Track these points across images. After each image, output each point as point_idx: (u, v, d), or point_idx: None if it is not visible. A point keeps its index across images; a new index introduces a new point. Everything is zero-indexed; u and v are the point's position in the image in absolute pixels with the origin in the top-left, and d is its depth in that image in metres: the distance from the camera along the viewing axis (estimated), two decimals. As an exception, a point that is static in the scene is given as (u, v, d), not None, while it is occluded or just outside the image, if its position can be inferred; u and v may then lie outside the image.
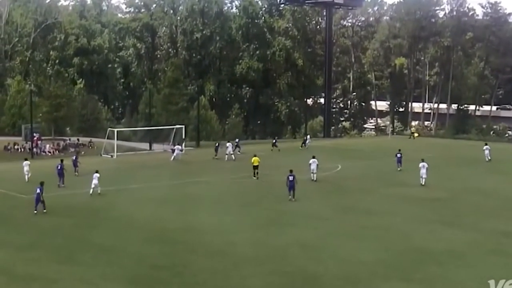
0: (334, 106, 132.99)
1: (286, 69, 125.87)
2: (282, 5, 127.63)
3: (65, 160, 50.41)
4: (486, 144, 65.36)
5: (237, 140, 75.00)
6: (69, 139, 78.51)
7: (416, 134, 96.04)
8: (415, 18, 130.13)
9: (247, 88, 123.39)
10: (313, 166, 49.82)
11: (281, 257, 28.53)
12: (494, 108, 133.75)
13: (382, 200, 43.01)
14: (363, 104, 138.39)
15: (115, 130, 72.00)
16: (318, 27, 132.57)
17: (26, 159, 50.79)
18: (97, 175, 43.13)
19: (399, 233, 33.43)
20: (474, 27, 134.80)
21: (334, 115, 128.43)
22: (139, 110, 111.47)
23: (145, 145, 75.83)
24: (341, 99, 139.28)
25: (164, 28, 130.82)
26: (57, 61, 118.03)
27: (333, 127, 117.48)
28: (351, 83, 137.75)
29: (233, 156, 64.18)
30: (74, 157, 53.68)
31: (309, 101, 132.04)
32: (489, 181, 51.51)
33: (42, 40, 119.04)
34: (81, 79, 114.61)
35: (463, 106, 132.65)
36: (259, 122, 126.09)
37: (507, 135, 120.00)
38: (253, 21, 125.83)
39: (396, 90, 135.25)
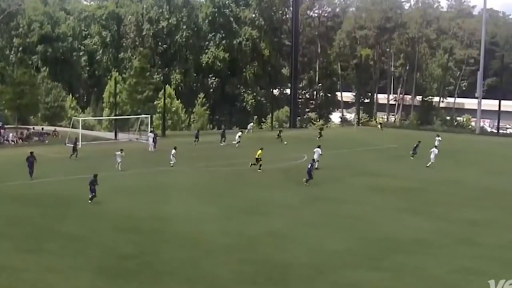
0: (300, 96, 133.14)
1: (253, 59, 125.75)
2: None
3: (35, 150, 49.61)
4: (438, 136, 65.42)
5: (223, 127, 76.11)
6: (33, 128, 77.50)
7: (380, 124, 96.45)
8: (381, 9, 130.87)
9: (213, 78, 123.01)
10: (315, 155, 50.24)
11: (251, 246, 28.55)
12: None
13: (351, 190, 43.27)
14: (329, 95, 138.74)
15: (80, 119, 71.21)
16: (284, 17, 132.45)
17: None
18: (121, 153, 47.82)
19: (368, 222, 33.66)
20: (439, 19, 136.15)
21: (300, 106, 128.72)
22: (104, 99, 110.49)
23: (111, 135, 75.15)
24: (307, 89, 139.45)
25: (130, 16, 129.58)
26: (20, 48, 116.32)
27: (299, 118, 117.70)
28: (317, 74, 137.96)
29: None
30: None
31: (276, 91, 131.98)
32: (457, 172, 52.13)
33: (5, 27, 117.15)
34: (45, 67, 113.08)
35: (428, 98, 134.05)
36: (225, 111, 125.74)
37: (470, 126, 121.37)
38: (219, 10, 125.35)
39: (362, 81, 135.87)
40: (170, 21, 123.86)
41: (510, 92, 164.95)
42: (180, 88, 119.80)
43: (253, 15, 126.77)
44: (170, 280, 24.07)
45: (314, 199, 39.48)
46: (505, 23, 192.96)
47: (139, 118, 76.08)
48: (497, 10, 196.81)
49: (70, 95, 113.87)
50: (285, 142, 68.36)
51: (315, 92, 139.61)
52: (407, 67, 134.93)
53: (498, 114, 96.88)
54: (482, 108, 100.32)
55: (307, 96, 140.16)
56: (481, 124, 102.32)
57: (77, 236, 29.71)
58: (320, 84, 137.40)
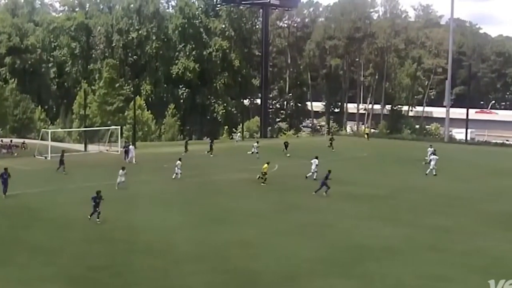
0: (271, 106, 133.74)
1: (223, 69, 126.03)
2: (219, 6, 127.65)
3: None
4: (431, 147, 65.04)
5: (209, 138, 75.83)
6: (1, 140, 76.67)
7: (367, 134, 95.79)
8: (350, 19, 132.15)
9: (184, 88, 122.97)
10: (313, 166, 50.59)
11: (222, 255, 28.53)
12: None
13: (321, 198, 43.40)
14: (299, 104, 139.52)
15: (49, 131, 70.62)
16: (254, 27, 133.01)
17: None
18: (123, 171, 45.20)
19: (339, 230, 33.85)
20: (407, 29, 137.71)
21: (270, 116, 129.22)
22: (73, 111, 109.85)
23: (80, 146, 74.65)
24: (277, 99, 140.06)
25: (100, 27, 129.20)
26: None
27: (269, 128, 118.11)
28: (287, 84, 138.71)
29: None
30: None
31: (246, 101, 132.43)
32: (425, 179, 52.51)
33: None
34: (13, 79, 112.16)
35: (397, 107, 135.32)
36: (195, 122, 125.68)
37: (438, 135, 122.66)
38: (189, 21, 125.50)
39: (332, 91, 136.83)
40: (140, 32, 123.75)
41: (478, 100, 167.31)
42: (150, 99, 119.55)
43: (223, 26, 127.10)
44: (140, 291, 24.04)
45: (285, 207, 39.57)
46: (472, 32, 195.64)
47: (109, 129, 75.68)
48: (464, 20, 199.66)
49: (39, 107, 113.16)
50: (288, 155, 66.68)
51: (285, 102, 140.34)
52: (376, 77, 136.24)
53: (466, 122, 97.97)
54: (450, 116, 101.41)
55: (278, 106, 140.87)
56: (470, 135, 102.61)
57: (46, 247, 29.44)
58: (291, 94, 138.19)
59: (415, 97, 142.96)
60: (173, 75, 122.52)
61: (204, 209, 38.82)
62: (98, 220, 33.81)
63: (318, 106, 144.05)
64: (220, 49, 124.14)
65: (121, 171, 45.22)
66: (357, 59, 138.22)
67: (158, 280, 24.93)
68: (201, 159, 64.45)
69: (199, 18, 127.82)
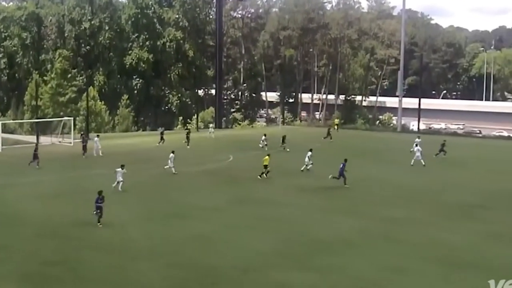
0: (225, 97, 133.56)
1: (177, 60, 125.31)
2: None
3: None
4: (418, 137, 63.65)
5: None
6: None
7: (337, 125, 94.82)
8: (303, 10, 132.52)
9: (137, 79, 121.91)
10: (306, 159, 50.47)
11: (178, 250, 28.41)
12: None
13: (277, 190, 43.49)
14: (254, 95, 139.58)
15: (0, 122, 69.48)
16: (208, 18, 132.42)
17: None
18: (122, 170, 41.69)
19: (295, 223, 33.95)
20: (360, 20, 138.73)
21: (225, 106, 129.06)
22: (25, 102, 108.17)
23: (32, 138, 73.56)
24: (232, 90, 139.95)
25: (51, 17, 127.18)
26: None
27: (224, 118, 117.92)
28: (242, 74, 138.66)
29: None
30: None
31: (200, 92, 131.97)
32: (379, 170, 52.94)
33: None
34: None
35: (350, 97, 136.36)
36: (150, 113, 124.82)
37: (391, 124, 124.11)
38: (142, 11, 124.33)
39: (286, 81, 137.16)
40: (92, 22, 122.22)
41: (430, 90, 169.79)
42: (103, 90, 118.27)
43: (177, 16, 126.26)
44: (96, 286, 23.78)
45: (240, 201, 39.55)
46: (423, 24, 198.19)
47: (61, 120, 74.70)
48: (416, 11, 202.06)
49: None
50: (288, 149, 63.98)
51: (240, 93, 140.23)
52: (330, 67, 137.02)
53: (418, 112, 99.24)
54: (403, 106, 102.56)
55: (232, 96, 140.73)
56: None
57: (-1, 244, 29.01)
58: (245, 85, 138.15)
59: (369, 87, 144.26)
60: (127, 66, 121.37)
61: (160, 203, 38.54)
62: (99, 224, 32.09)
63: (272, 96, 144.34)
64: (174, 40, 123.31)
65: (119, 169, 41.79)
66: (311, 50, 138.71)
67: (114, 276, 24.73)
68: (159, 152, 64.03)
69: (152, 8, 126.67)
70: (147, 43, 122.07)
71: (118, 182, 41.22)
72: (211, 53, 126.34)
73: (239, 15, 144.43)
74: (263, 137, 65.60)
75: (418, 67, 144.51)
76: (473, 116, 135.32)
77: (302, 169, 50.39)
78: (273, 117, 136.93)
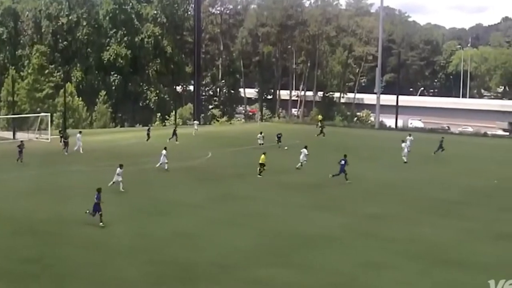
0: (204, 93, 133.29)
1: (155, 56, 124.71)
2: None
3: None
4: (409, 135, 64.33)
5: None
6: None
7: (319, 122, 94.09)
8: (282, 6, 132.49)
9: (115, 75, 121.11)
10: (301, 156, 50.32)
11: (157, 246, 28.28)
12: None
13: (257, 186, 43.51)
14: (232, 91, 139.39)
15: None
16: (186, 14, 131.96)
17: None
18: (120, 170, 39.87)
19: (275, 219, 33.97)
20: (338, 17, 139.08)
21: (203, 103, 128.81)
22: (1, 98, 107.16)
23: (9, 134, 72.90)
24: (210, 86, 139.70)
25: (28, 12, 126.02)
26: None
27: (202, 115, 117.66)
28: (220, 71, 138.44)
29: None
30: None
31: (179, 89, 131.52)
32: (358, 167, 52.94)
33: None
34: None
35: (329, 94, 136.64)
36: (127, 109, 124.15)
37: (369, 121, 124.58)
38: (120, 7, 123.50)
39: (264, 78, 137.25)
40: (70, 17, 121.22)
41: (407, 87, 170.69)
42: (81, 86, 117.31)
43: (155, 12, 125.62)
44: (73, 283, 23.56)
45: (221, 197, 39.45)
46: (401, 21, 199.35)
47: (38, 116, 74.11)
48: (394, 8, 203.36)
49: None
50: (286, 147, 62.84)
51: (218, 89, 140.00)
52: (308, 64, 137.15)
53: (396, 109, 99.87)
54: (381, 103, 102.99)
55: (211, 93, 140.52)
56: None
57: (-25, 241, 28.69)
58: (223, 81, 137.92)
59: (347, 84, 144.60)
60: (105, 62, 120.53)
61: (140, 200, 38.33)
62: (101, 223, 31.09)
63: (251, 93, 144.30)
64: (152, 36, 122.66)
65: (118, 169, 39.86)
66: (289, 47, 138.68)
67: (92, 273, 24.53)
68: (139, 147, 63.79)
69: (130, 4, 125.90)
70: (125, 39, 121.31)
71: (114, 182, 39.56)
72: (190, 49, 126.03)
73: (218, 12, 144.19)
74: (260, 135, 64.88)
75: (395, 64, 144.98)
76: (450, 113, 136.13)
77: (297, 166, 50.27)
78: (251, 113, 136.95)
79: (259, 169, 46.88)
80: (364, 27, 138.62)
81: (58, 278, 23.94)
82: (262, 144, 62.74)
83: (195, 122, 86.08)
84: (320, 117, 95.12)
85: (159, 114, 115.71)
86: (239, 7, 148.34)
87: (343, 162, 45.39)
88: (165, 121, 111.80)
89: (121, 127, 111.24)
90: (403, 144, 56.27)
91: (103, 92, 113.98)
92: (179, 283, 23.85)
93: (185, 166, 51.53)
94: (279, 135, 65.13)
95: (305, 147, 51.46)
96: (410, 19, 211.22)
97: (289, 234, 30.85)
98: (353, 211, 36.31)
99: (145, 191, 41.25)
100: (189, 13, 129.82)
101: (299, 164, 50.32)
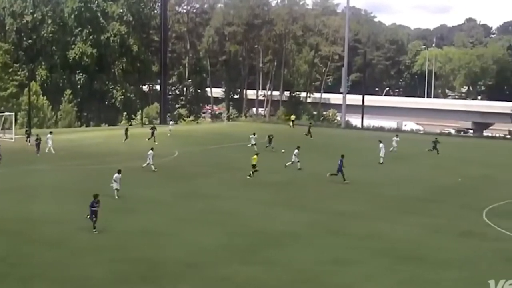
0: (170, 92, 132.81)
1: (121, 54, 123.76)
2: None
3: None
4: (396, 136, 65.54)
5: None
6: None
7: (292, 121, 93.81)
8: (248, 5, 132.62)
9: (81, 74, 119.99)
10: (293, 157, 50.21)
11: (123, 244, 28.21)
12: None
13: (223, 185, 43.60)
14: (199, 91, 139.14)
15: None
16: (153, 12, 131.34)
17: None
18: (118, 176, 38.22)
19: (241, 217, 34.10)
20: (304, 16, 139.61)
21: (170, 102, 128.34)
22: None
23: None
24: (177, 85, 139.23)
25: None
26: None
27: (169, 114, 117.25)
28: (187, 70, 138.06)
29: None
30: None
31: (145, 88, 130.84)
32: (325, 165, 53.16)
33: None
34: None
35: (295, 93, 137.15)
36: (93, 108, 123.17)
37: (335, 121, 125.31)
38: (86, 5, 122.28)
39: (231, 77, 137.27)
40: (34, 15, 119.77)
41: (373, 87, 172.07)
42: (46, 84, 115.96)
43: (121, 11, 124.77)
44: (38, 282, 23.40)
45: (186, 195, 39.46)
46: (367, 21, 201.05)
47: (2, 116, 73.23)
48: (360, 8, 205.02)
49: None
50: (283, 151, 58.84)
51: (185, 88, 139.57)
52: (275, 63, 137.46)
53: (362, 109, 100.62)
54: (347, 103, 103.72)
55: (177, 92, 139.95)
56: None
57: None
58: (190, 80, 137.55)
59: (313, 83, 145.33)
60: (70, 60, 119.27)
61: (103, 198, 37.96)
62: (95, 230, 30.06)
63: (218, 92, 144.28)
64: (118, 34, 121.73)
65: (116, 175, 38.07)
66: (256, 46, 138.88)
67: (57, 272, 24.39)
68: (105, 146, 63.44)
69: (96, 2, 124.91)
70: (91, 37, 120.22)
71: (115, 190, 37.62)
72: (156, 48, 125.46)
73: (184, 10, 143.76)
74: (252, 136, 62.82)
75: (361, 64, 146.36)
76: (415, 113, 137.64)
77: (287, 164, 50.23)
78: (218, 113, 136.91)
79: (253, 170, 46.24)
80: (331, 26, 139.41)
81: (23, 278, 23.70)
82: (254, 144, 60.96)
83: (171, 122, 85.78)
84: (293, 117, 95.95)
85: (125, 113, 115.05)
86: (205, 5, 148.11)
87: (339, 162, 45.67)
88: (131, 120, 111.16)
89: (86, 126, 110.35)
90: (380, 145, 56.62)
91: (68, 91, 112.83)
92: (145, 281, 23.76)
93: (156, 164, 51.34)
94: (270, 137, 63.77)
95: (298, 148, 51.41)
96: (375, 19, 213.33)
97: (255, 231, 30.97)
98: (319, 209, 36.56)
99: (109, 189, 40.92)
100: (156, 11, 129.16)
101: (289, 163, 50.28)
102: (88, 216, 30.34)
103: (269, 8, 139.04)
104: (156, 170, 47.22)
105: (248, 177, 46.18)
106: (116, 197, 37.36)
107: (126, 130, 68.43)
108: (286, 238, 29.94)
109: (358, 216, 35.15)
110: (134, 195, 38.89)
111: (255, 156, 47.21)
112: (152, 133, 66.56)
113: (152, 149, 48.70)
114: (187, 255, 26.88)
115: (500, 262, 26.90)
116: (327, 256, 27.14)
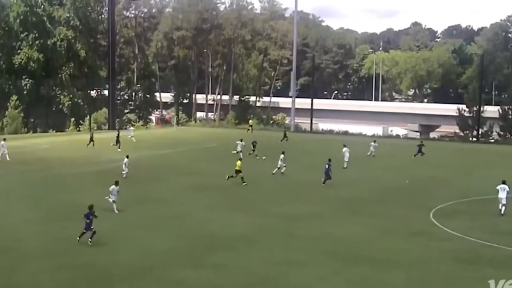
0: (119, 97, 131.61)
1: (68, 59, 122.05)
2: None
3: None
4: (374, 141, 66.26)
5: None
6: None
7: (251, 126, 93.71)
8: (197, 10, 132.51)
9: (27, 79, 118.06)
10: (279, 162, 50.25)
11: (72, 250, 27.82)
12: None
13: (174, 190, 43.43)
14: (148, 95, 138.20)
15: None
16: (100, 17, 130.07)
17: None
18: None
19: (192, 221, 34.00)
20: (253, 21, 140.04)
21: (118, 107, 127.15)
22: None
23: None
24: (125, 90, 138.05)
25: None
26: None
27: (118, 119, 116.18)
28: (136, 75, 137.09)
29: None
30: None
31: (93, 93, 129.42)
32: (273, 168, 53.51)
33: None
34: None
35: (245, 97, 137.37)
36: (40, 114, 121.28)
37: (285, 124, 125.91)
38: (31, 9, 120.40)
39: (180, 81, 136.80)
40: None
41: (322, 91, 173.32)
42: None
43: (68, 15, 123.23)
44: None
45: (136, 200, 39.09)
46: (315, 25, 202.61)
47: None
48: (308, 13, 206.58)
49: None
50: (264, 157, 59.51)
51: (133, 93, 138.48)
52: (224, 67, 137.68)
53: (311, 112, 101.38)
54: (296, 106, 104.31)
55: (126, 97, 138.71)
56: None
57: None
58: (139, 85, 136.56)
59: (262, 88, 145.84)
60: (16, 66, 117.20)
61: (53, 204, 37.61)
62: (90, 240, 28.86)
63: (167, 97, 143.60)
64: (65, 39, 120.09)
65: (113, 186, 36.23)
66: (205, 50, 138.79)
67: (3, 279, 23.96)
68: (53, 152, 62.55)
69: (42, 6, 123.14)
70: (37, 42, 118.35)
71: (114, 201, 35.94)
72: (104, 53, 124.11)
73: (132, 15, 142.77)
74: (239, 142, 61.05)
75: (310, 68, 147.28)
76: (363, 116, 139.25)
77: (274, 172, 50.17)
78: (167, 117, 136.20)
79: (235, 176, 45.80)
80: (279, 30, 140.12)
81: (-33, 286, 23.29)
82: (240, 152, 59.38)
83: (131, 128, 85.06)
84: (251, 121, 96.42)
85: (73, 119, 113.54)
86: (154, 10, 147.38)
87: (327, 166, 46.05)
88: (79, 126, 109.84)
89: (33, 132, 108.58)
90: (344, 149, 56.78)
91: (14, 97, 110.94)
92: (93, 287, 23.50)
93: (101, 169, 50.89)
94: (254, 143, 62.78)
95: (283, 153, 51.48)
96: (323, 23, 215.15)
97: (205, 235, 30.94)
98: (268, 211, 36.69)
99: (59, 195, 40.54)
100: (103, 16, 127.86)
101: (276, 169, 50.25)
102: (84, 229, 29.01)
103: (218, 12, 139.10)
104: (126, 177, 46.18)
105: (244, 183, 45.41)
106: (116, 211, 35.51)
107: (92, 135, 67.63)
108: (238, 241, 29.96)
109: (310, 218, 35.39)
110: (85, 201, 37.95)
111: (239, 162, 46.94)
112: (117, 139, 65.75)
113: (127, 156, 48.04)
114: (138, 259, 26.67)
115: (448, 262, 27.39)
116: (276, 258, 27.24)
